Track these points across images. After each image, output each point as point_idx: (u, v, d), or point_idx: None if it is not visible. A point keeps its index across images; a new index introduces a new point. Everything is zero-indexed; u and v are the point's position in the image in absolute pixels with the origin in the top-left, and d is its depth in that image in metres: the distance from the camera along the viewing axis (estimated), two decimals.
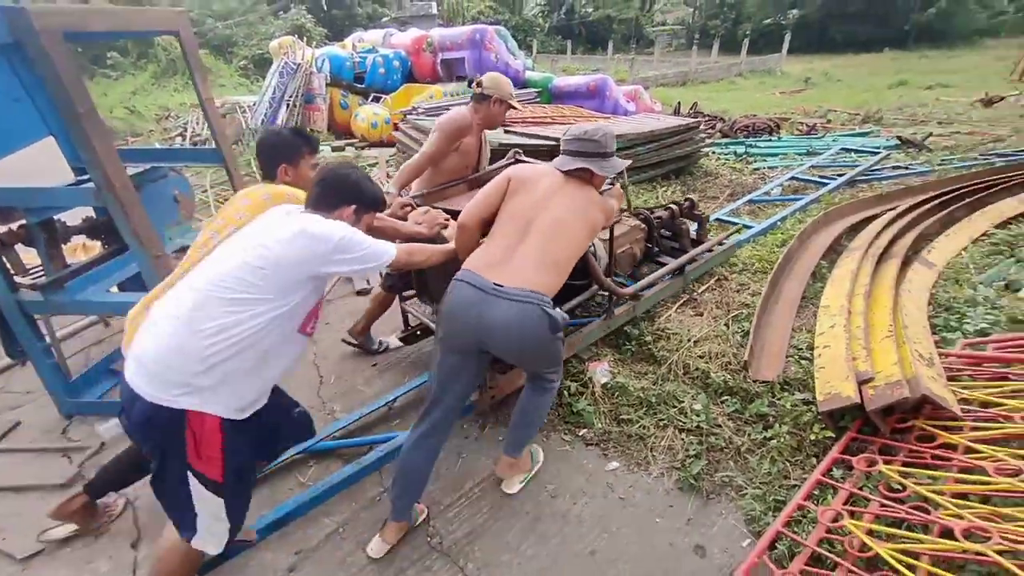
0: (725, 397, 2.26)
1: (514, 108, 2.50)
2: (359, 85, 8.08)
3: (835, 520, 1.57)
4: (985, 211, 3.71)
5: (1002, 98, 10.15)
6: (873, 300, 2.58)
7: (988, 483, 1.50)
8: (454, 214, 1.88)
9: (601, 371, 2.39)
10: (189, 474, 1.25)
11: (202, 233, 1.55)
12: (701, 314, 2.84)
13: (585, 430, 2.21)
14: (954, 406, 1.76)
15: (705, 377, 2.36)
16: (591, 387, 2.33)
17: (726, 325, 2.70)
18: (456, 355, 1.62)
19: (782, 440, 1.97)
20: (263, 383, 1.33)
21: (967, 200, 3.88)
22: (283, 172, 1.74)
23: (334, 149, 7.16)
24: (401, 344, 2.75)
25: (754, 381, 2.28)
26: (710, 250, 3.14)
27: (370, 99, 7.89)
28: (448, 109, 2.92)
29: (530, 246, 1.61)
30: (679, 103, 8.46)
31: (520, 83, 7.96)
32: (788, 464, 1.92)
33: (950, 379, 2.02)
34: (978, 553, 1.27)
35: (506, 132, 4.89)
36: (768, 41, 28.64)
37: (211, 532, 1.34)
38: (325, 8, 32.77)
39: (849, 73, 18.22)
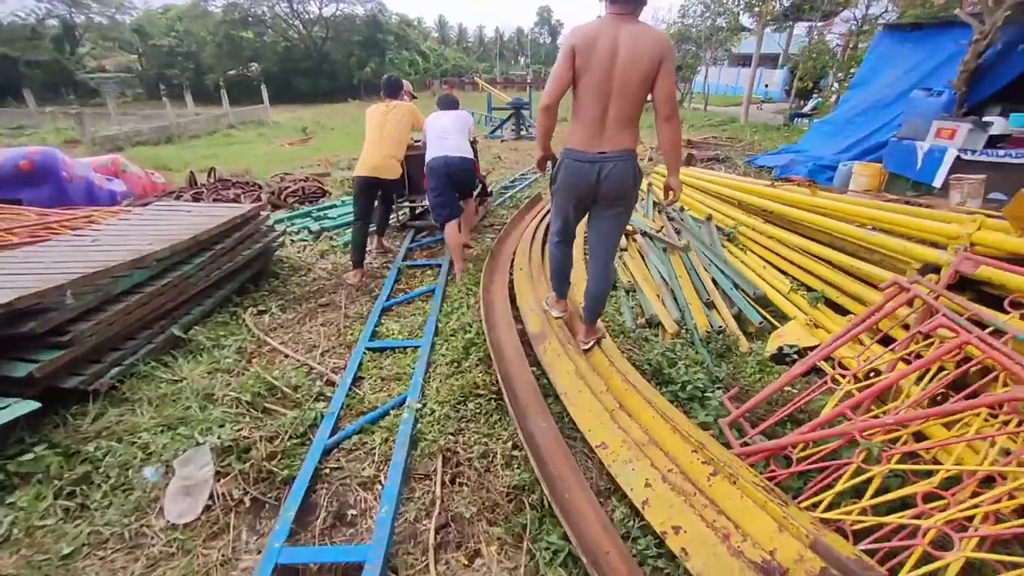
0: None
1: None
2: None
3: None
4: None
5: None
6: (630, 410, 2.09)
7: None
8: None
9: None
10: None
11: (370, 120, 3.75)
12: (477, 553, 1.65)
13: None
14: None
15: None
16: None
17: (524, 546, 1.63)
18: (577, 201, 2.27)
19: None
20: None
21: None
22: (401, 95, 3.99)
23: None
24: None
25: None
26: None
27: None
28: None
29: (612, 117, 2.04)
30: (192, 173, 6.38)
31: None
32: None
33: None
34: None
35: None
36: (242, 91, 27.94)
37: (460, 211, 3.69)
38: None
39: (336, 121, 19.72)
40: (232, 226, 3.23)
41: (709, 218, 4.35)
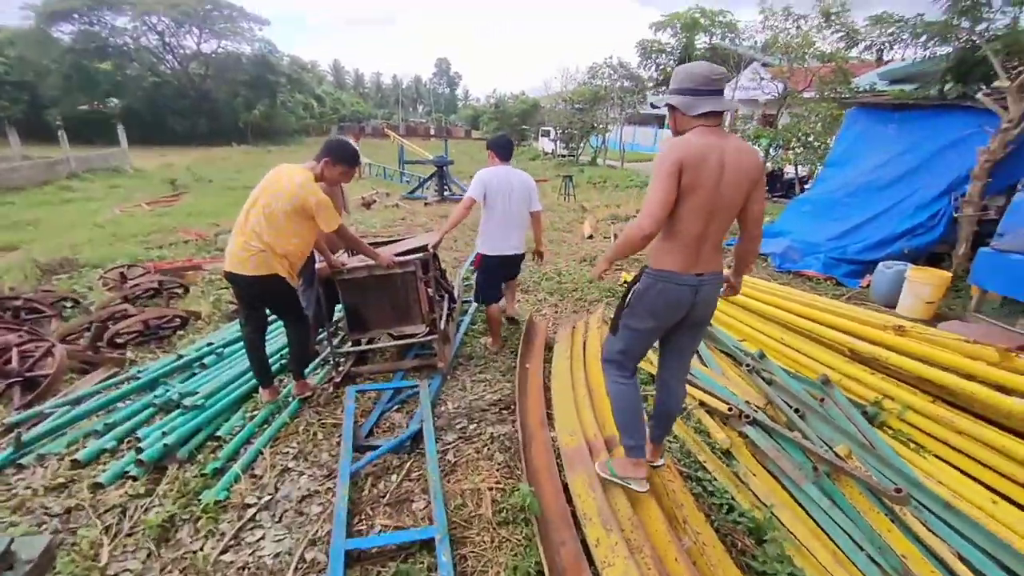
0: None
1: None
2: None
3: None
4: None
5: None
6: None
7: None
8: None
9: None
10: None
11: (254, 193, 2.45)
12: None
13: None
14: None
15: None
16: None
17: None
18: (663, 328, 1.86)
19: None
20: None
21: None
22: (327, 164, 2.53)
23: None
24: None
25: None
26: None
27: None
28: None
29: (711, 237, 1.72)
30: None
31: None
32: None
33: None
34: None
35: None
36: (95, 132, 23.05)
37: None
38: None
39: (214, 170, 16.27)
40: None
41: (826, 381, 2.81)
